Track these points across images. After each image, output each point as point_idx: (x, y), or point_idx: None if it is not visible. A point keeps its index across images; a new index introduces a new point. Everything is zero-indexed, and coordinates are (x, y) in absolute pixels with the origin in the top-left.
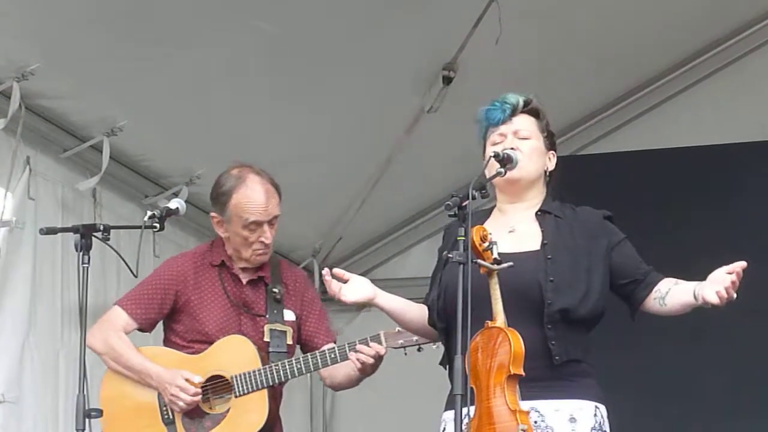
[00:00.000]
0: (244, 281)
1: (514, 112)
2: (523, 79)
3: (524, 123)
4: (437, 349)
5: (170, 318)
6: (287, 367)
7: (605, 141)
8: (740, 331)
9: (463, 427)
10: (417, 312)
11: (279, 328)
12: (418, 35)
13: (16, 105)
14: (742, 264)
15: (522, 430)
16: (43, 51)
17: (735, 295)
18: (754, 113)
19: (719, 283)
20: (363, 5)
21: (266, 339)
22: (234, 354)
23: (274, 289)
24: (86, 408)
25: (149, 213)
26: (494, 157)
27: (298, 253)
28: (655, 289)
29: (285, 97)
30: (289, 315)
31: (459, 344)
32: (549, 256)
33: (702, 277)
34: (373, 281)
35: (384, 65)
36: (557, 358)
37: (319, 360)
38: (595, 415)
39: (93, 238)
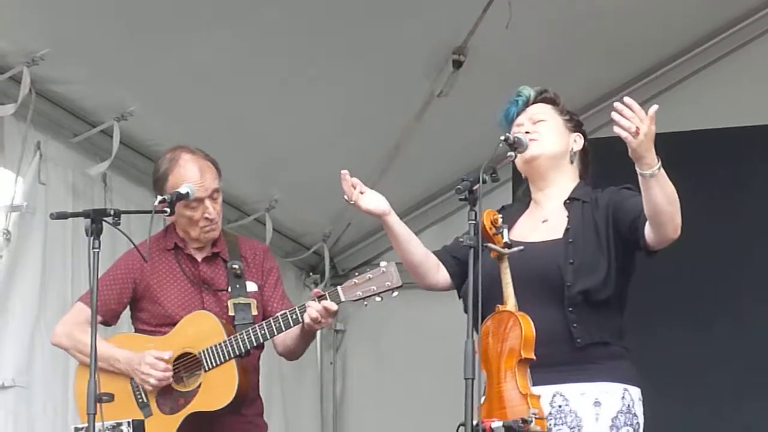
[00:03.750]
0: (199, 259)
1: (528, 102)
2: (533, 63)
3: (539, 108)
4: (450, 331)
5: (135, 308)
6: (251, 334)
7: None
8: (752, 318)
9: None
10: (419, 246)
11: (242, 301)
12: (428, 19)
13: (26, 90)
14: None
15: (533, 414)
16: (53, 36)
17: (642, 126)
18: (764, 97)
19: (620, 129)
20: None
21: (231, 313)
22: (199, 329)
23: (234, 265)
24: (97, 392)
25: (159, 198)
26: (504, 141)
27: (308, 238)
28: None
29: (294, 82)
30: (251, 286)
31: (470, 327)
32: (570, 240)
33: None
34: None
35: (394, 49)
36: (579, 340)
37: (281, 322)
38: (623, 397)
39: (103, 222)
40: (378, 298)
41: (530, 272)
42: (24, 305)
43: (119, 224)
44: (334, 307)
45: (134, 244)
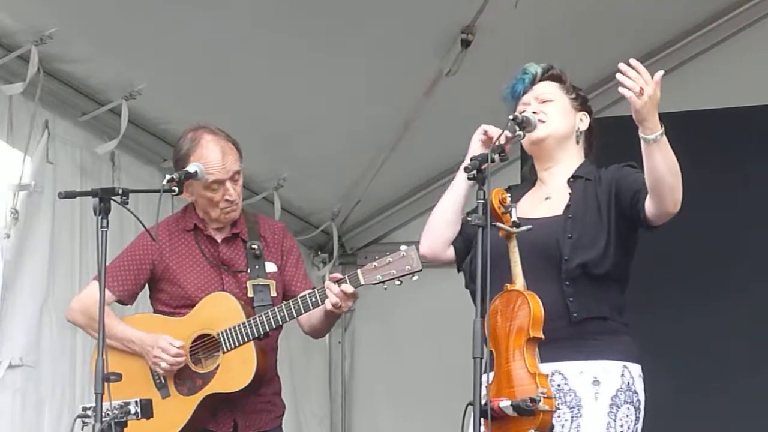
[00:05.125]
0: (219, 240)
1: (534, 80)
2: (542, 42)
3: (546, 87)
4: (458, 310)
5: (154, 288)
6: (270, 316)
7: (624, 103)
8: (754, 293)
9: (483, 391)
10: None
11: (261, 283)
12: None
13: (34, 69)
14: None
15: (541, 393)
16: (62, 15)
17: (646, 88)
18: None
19: (625, 89)
20: None
21: (250, 295)
22: (218, 310)
23: (253, 246)
24: (105, 372)
25: (168, 176)
26: (512, 120)
27: (317, 216)
28: None
29: (302, 60)
30: (270, 267)
31: (478, 307)
32: (570, 216)
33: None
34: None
35: (402, 28)
36: (575, 315)
37: (301, 305)
38: (623, 375)
39: (111, 201)
40: (397, 282)
41: (529, 247)
42: (32, 284)
43: (127, 203)
44: (350, 290)
45: (142, 223)
